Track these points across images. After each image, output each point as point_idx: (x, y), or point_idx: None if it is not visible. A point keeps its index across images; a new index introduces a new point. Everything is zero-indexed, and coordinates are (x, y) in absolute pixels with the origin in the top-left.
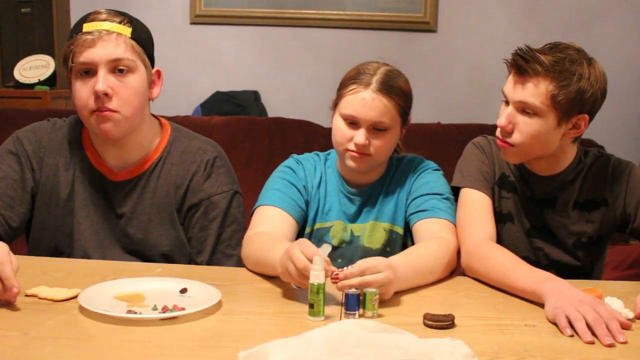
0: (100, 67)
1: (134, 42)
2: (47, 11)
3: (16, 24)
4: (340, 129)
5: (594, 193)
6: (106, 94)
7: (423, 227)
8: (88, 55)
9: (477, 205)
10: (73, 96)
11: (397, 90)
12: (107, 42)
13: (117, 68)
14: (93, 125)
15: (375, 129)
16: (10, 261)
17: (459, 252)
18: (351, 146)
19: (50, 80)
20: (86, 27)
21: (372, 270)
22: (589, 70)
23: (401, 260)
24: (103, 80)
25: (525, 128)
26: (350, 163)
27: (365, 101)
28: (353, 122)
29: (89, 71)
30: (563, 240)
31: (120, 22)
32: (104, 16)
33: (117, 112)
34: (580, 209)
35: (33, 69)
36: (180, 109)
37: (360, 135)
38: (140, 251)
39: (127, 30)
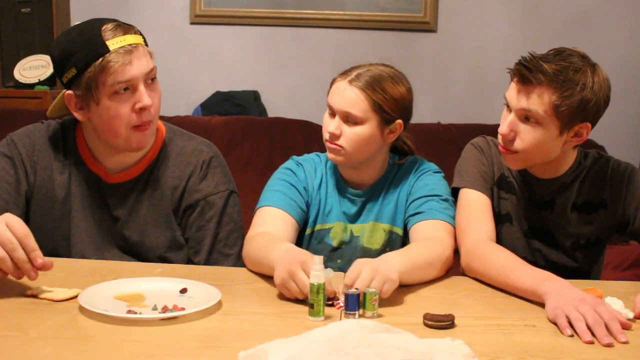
0: (140, 81)
1: (149, 49)
2: (47, 11)
3: (16, 24)
4: (323, 119)
5: (592, 195)
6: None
7: (418, 229)
8: (128, 73)
9: (476, 205)
10: (108, 115)
11: (376, 87)
12: (139, 56)
13: (150, 78)
14: (130, 139)
15: (347, 120)
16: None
17: (457, 252)
18: (326, 135)
19: (50, 80)
20: (112, 45)
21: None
22: (593, 79)
23: (399, 254)
24: (147, 95)
25: (527, 136)
26: (328, 153)
27: (339, 90)
28: (332, 113)
29: (128, 88)
30: (561, 242)
31: (134, 33)
32: (121, 30)
33: (152, 122)
34: (579, 211)
35: (33, 69)
36: (180, 109)
37: (332, 124)
38: (137, 253)
39: (142, 39)
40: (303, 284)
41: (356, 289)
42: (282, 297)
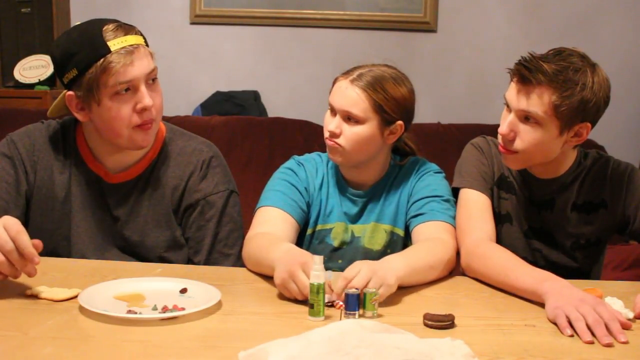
0: (141, 82)
1: (150, 49)
2: (47, 11)
3: (16, 24)
4: (325, 118)
5: (592, 195)
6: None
7: (420, 231)
8: (129, 74)
9: (476, 205)
10: (109, 116)
11: (377, 87)
12: (140, 57)
13: (151, 78)
14: (133, 138)
15: (348, 119)
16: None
17: (458, 253)
18: (327, 133)
19: (50, 80)
20: (113, 45)
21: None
22: (593, 79)
23: (400, 257)
24: (149, 95)
25: (527, 136)
26: (328, 153)
27: (341, 89)
28: (333, 112)
29: (129, 89)
30: (561, 242)
31: (135, 34)
32: (122, 31)
33: (154, 121)
34: (579, 211)
35: (33, 69)
36: (180, 109)
37: (332, 122)
38: (137, 253)
39: (142, 40)
40: (303, 285)
41: (356, 289)
42: (282, 297)
